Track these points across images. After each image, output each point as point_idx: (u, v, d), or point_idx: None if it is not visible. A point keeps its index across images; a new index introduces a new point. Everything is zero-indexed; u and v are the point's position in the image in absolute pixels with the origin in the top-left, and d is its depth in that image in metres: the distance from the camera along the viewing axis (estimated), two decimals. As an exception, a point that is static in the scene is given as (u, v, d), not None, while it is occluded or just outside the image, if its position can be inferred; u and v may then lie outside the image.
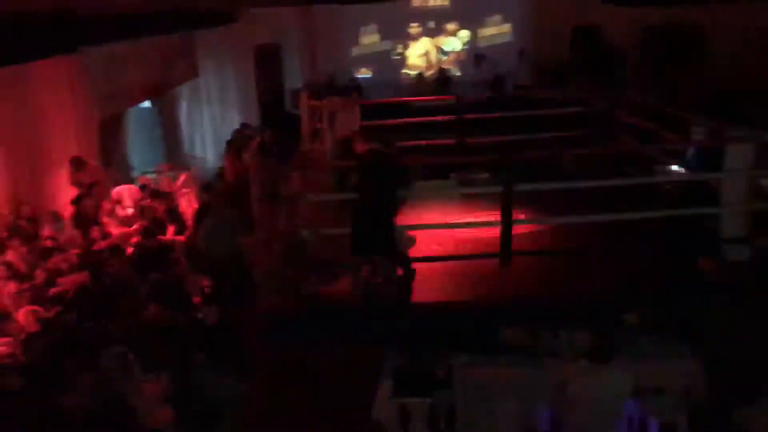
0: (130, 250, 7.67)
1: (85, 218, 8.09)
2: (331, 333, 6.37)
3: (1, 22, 6.04)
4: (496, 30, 16.31)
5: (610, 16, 14.42)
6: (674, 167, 8.44)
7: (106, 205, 8.65)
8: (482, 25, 16.33)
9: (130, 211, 8.62)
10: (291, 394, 5.70)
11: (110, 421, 4.73)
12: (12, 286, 6.51)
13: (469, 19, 16.24)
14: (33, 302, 6.36)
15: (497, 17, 16.27)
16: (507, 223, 6.98)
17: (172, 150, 11.46)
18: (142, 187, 9.33)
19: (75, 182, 8.55)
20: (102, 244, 7.58)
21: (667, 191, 8.28)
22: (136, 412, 5.00)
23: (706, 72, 14.18)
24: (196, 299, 6.92)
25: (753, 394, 5.40)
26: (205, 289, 7.02)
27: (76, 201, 8.30)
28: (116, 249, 7.32)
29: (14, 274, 6.69)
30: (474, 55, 15.38)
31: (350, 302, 6.73)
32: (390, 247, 6.53)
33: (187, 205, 9.39)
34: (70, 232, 7.83)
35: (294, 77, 15.44)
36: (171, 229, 8.26)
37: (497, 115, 11.47)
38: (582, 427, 5.17)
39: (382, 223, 6.49)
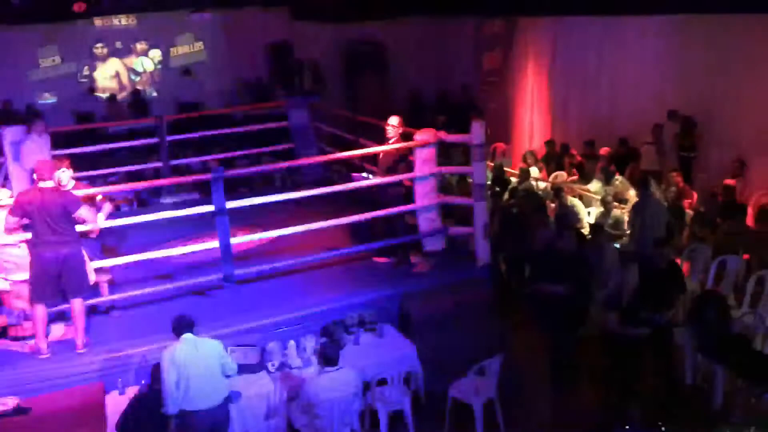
0: None
1: None
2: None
3: None
4: (189, 49, 16.05)
5: (302, 33, 15.12)
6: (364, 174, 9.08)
7: None
8: (173, 44, 15.94)
9: None
10: None
11: None
12: None
13: (159, 38, 15.74)
14: None
15: (188, 35, 16.00)
16: (225, 242, 6.90)
17: None
18: None
19: None
20: None
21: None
22: None
23: (389, 83, 15.59)
24: None
25: (462, 370, 6.05)
26: None
27: None
28: None
29: None
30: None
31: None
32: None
33: None
34: None
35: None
36: None
37: (203, 134, 11.17)
38: (321, 428, 5.34)
39: None
